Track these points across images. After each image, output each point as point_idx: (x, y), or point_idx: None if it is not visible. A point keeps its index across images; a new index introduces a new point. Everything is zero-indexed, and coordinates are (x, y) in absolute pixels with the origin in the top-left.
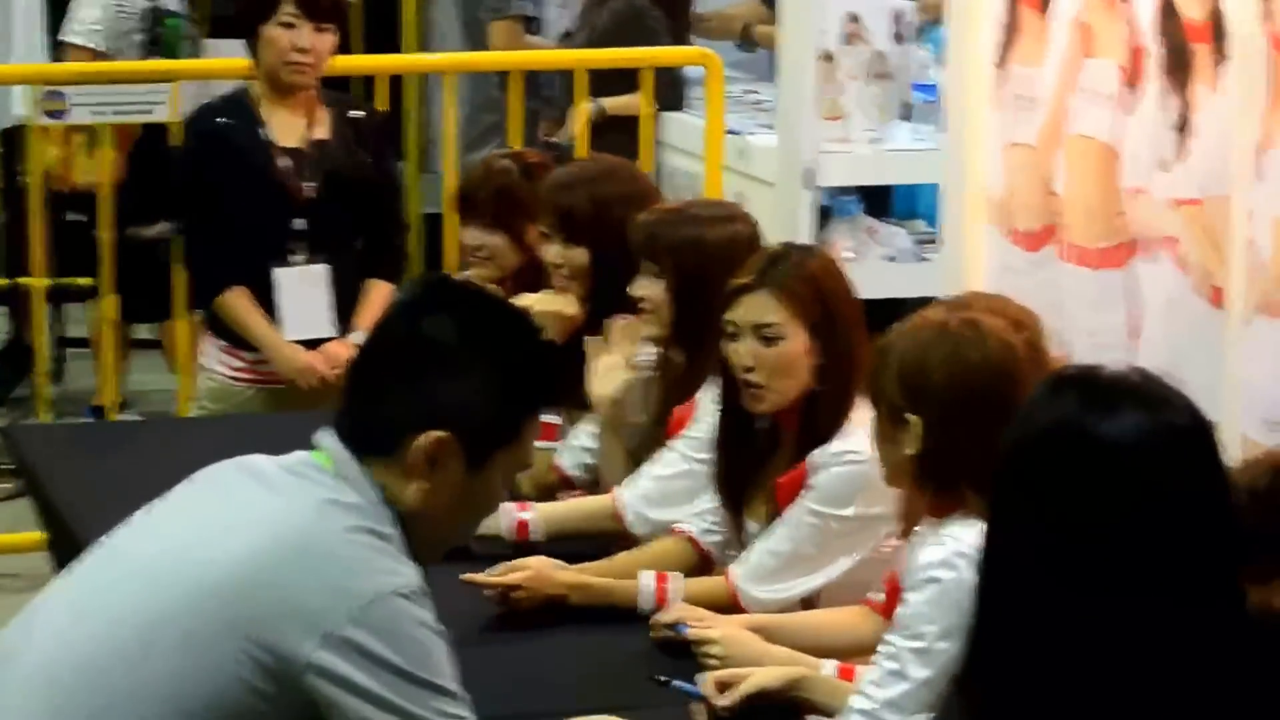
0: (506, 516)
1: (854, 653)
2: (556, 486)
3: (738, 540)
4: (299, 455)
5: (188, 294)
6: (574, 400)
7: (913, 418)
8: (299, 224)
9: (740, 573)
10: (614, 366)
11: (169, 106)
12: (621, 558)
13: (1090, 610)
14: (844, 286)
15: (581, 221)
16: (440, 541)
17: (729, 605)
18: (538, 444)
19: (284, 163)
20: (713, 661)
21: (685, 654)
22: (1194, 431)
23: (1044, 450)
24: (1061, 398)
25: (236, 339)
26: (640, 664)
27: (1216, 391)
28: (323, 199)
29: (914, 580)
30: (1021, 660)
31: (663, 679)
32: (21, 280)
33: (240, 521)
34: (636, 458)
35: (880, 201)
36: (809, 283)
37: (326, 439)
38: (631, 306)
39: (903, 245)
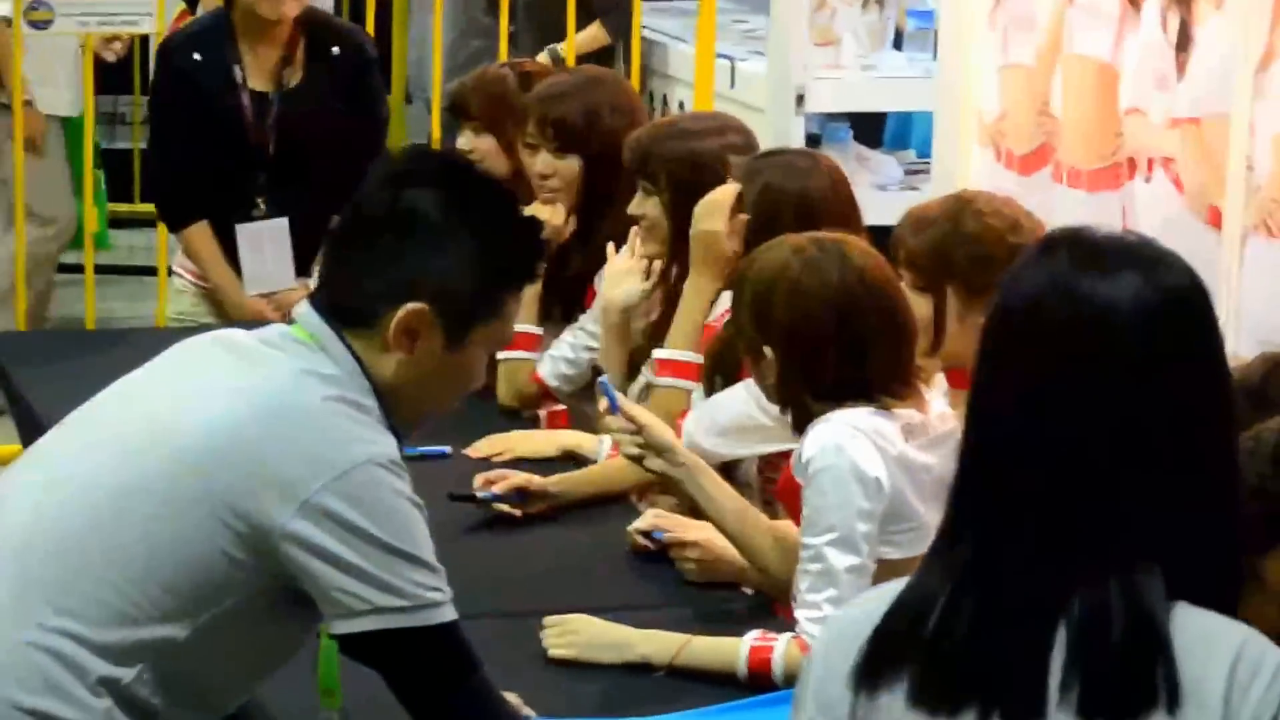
0: (603, 448)
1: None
2: (537, 397)
3: None
4: (277, 328)
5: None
6: (560, 311)
7: (767, 350)
8: (261, 177)
9: (692, 420)
10: (627, 271)
11: (156, 18)
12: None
13: (1081, 478)
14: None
15: (574, 131)
16: (418, 415)
17: None
18: (519, 355)
19: (251, 112)
20: (689, 566)
21: (664, 558)
22: (1190, 293)
23: (1033, 312)
24: (1052, 258)
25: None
26: (619, 563)
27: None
28: (284, 153)
29: (806, 476)
30: (1008, 525)
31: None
32: None
33: (216, 390)
34: (634, 364)
35: (872, 131)
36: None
37: (304, 312)
38: (618, 217)
39: (893, 174)
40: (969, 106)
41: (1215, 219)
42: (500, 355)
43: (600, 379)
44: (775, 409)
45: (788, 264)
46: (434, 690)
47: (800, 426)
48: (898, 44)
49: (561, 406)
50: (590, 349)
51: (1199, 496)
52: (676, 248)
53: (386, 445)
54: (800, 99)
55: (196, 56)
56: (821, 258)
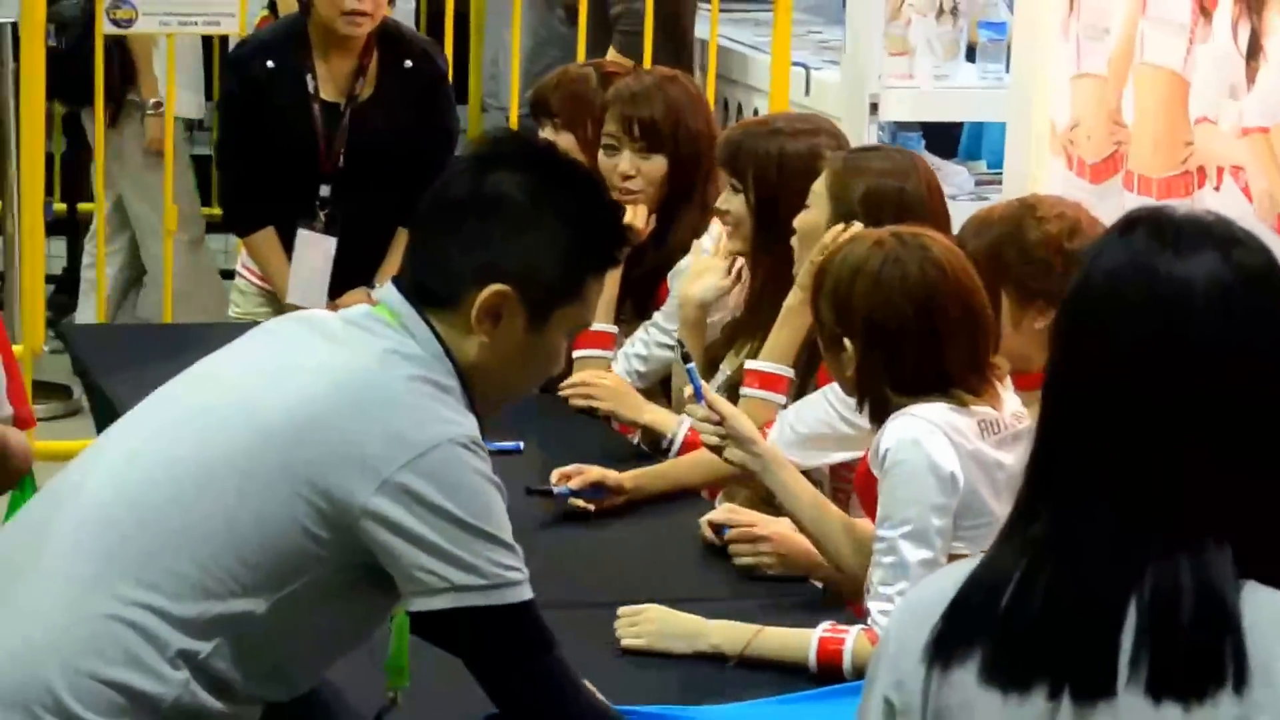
0: (681, 430)
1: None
2: None
3: None
4: (361, 308)
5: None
6: (634, 308)
7: (847, 341)
8: (324, 190)
9: (776, 430)
10: (709, 269)
11: (238, 19)
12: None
13: (1156, 455)
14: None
15: (660, 131)
16: (499, 397)
17: None
18: (594, 352)
19: (321, 123)
20: (765, 559)
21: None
22: (1267, 272)
23: (1111, 290)
24: (1131, 236)
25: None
26: (692, 556)
27: None
28: (349, 169)
29: (882, 469)
30: (1083, 502)
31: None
32: (82, 206)
33: (300, 369)
34: (710, 360)
35: (944, 142)
36: (868, 189)
37: (389, 293)
38: (693, 216)
39: (964, 184)
40: (1041, 115)
41: None
42: (576, 353)
43: (688, 365)
44: (854, 416)
45: (869, 256)
46: (509, 668)
47: (878, 419)
48: (970, 56)
49: None
50: (663, 345)
51: (1272, 475)
52: (759, 246)
53: (468, 425)
54: (874, 108)
55: (269, 64)
56: (903, 251)
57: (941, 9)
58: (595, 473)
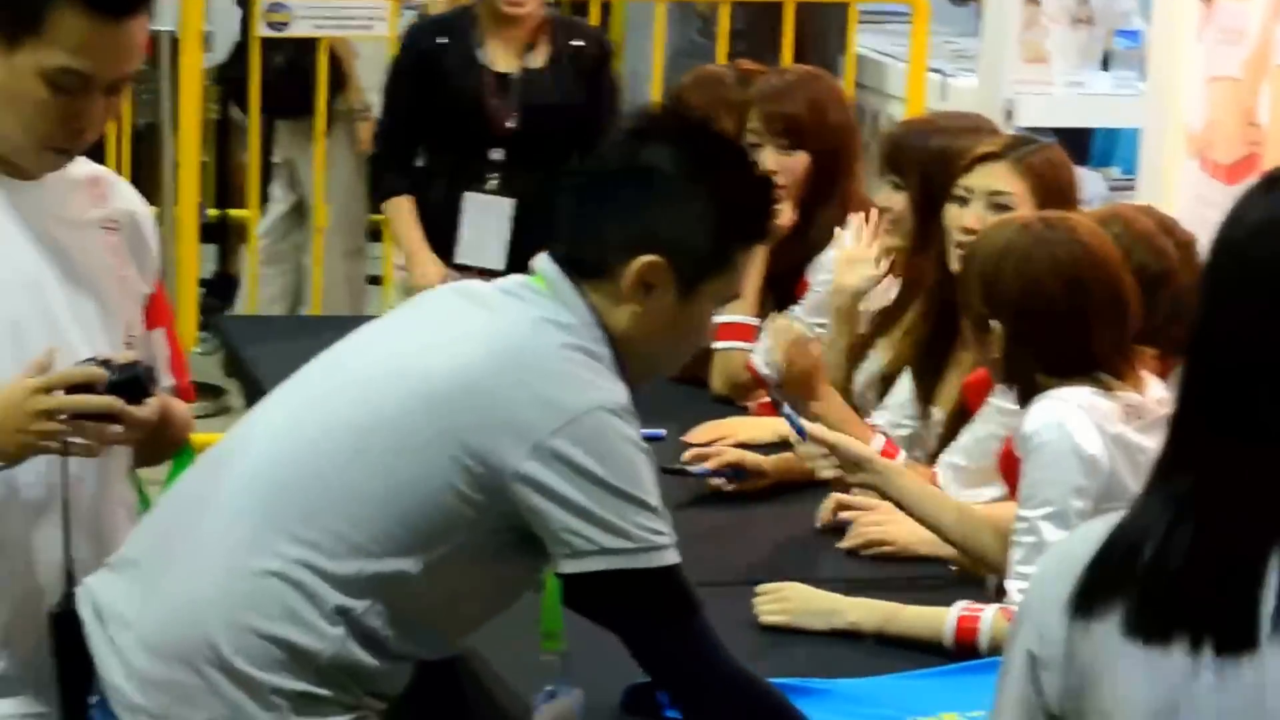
0: (876, 442)
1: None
2: (750, 386)
3: (925, 429)
4: (516, 278)
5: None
6: (774, 301)
7: (994, 324)
8: (496, 154)
9: (942, 474)
10: (861, 259)
11: (389, 22)
12: None
13: None
14: (1075, 185)
15: (803, 126)
16: (649, 367)
17: None
18: (734, 344)
19: (492, 89)
20: (875, 530)
21: None
22: None
23: (1252, 246)
24: (1273, 193)
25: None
26: (830, 536)
27: None
28: (524, 131)
29: (1026, 450)
30: (1226, 457)
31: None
32: (231, 212)
33: (456, 336)
34: (857, 353)
35: (1078, 148)
36: (1050, 166)
37: (543, 263)
38: (835, 210)
39: (1097, 189)
40: (1176, 118)
41: None
42: (716, 345)
43: (784, 410)
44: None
45: (1017, 238)
46: (657, 631)
47: (1024, 400)
48: (1104, 65)
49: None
50: None
51: None
52: (920, 242)
53: (618, 393)
54: (1009, 114)
55: (441, 40)
56: (1050, 233)
57: (1076, 18)
58: (733, 454)
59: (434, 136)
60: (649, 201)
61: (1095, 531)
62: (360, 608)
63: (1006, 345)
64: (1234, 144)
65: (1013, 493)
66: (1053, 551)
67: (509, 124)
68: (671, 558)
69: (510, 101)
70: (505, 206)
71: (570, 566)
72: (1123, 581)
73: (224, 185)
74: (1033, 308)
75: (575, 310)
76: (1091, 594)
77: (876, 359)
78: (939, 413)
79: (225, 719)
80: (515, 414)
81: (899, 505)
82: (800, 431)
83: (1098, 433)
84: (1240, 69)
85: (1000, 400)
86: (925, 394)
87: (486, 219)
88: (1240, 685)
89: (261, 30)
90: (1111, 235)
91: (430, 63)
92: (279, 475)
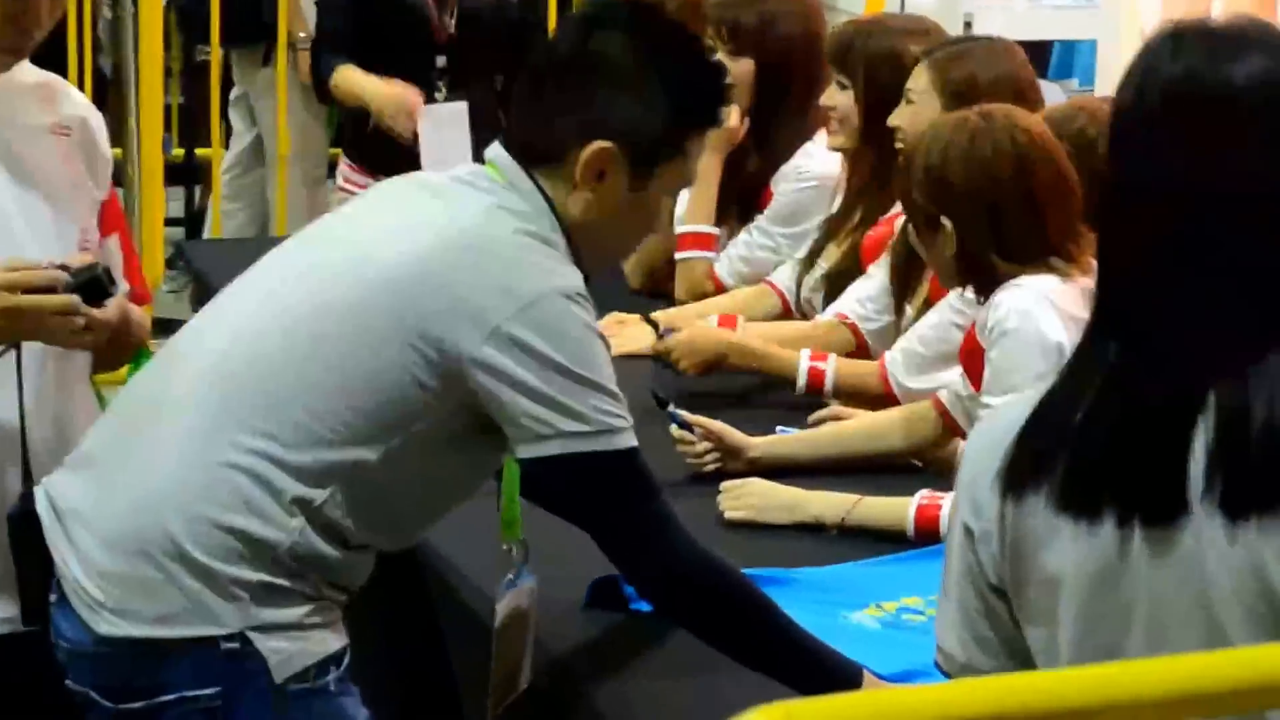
0: (803, 362)
1: (909, 452)
2: (713, 295)
3: (896, 326)
4: (470, 166)
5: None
6: (737, 211)
7: (944, 220)
8: (440, 61)
9: (892, 360)
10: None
11: None
12: (783, 336)
13: (1220, 265)
14: (1009, 80)
15: (747, 33)
16: (603, 255)
17: (880, 391)
18: (696, 254)
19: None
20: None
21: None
22: None
23: (1171, 102)
24: (1184, 48)
25: (365, 157)
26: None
27: None
28: (462, 37)
29: (991, 339)
30: (1148, 325)
31: (661, 397)
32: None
33: (410, 224)
34: (811, 256)
35: (1037, 61)
36: (959, 63)
37: (496, 151)
38: (792, 120)
39: (1056, 101)
40: (1133, 28)
41: None
42: (679, 255)
43: (669, 409)
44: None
45: (956, 132)
46: (617, 514)
47: (985, 292)
48: None
49: None
50: (765, 247)
51: None
52: (866, 142)
53: (573, 278)
54: (968, 27)
55: None
56: (989, 123)
57: None
58: (718, 427)
59: (376, 52)
60: (600, 88)
61: (1024, 404)
62: (319, 498)
63: (960, 240)
64: None
65: (975, 382)
66: (982, 426)
67: (448, 29)
68: (630, 440)
69: (447, 7)
70: (458, 110)
71: (529, 451)
72: (1050, 456)
73: (195, 126)
74: (982, 197)
75: (529, 198)
76: (1020, 469)
77: (823, 265)
78: (911, 311)
79: (185, 611)
80: (471, 300)
81: (795, 465)
82: (685, 426)
83: (1061, 320)
84: None
85: (961, 291)
86: (900, 291)
87: (443, 128)
88: (1174, 555)
89: None
90: (1078, 127)
91: None
92: (234, 368)
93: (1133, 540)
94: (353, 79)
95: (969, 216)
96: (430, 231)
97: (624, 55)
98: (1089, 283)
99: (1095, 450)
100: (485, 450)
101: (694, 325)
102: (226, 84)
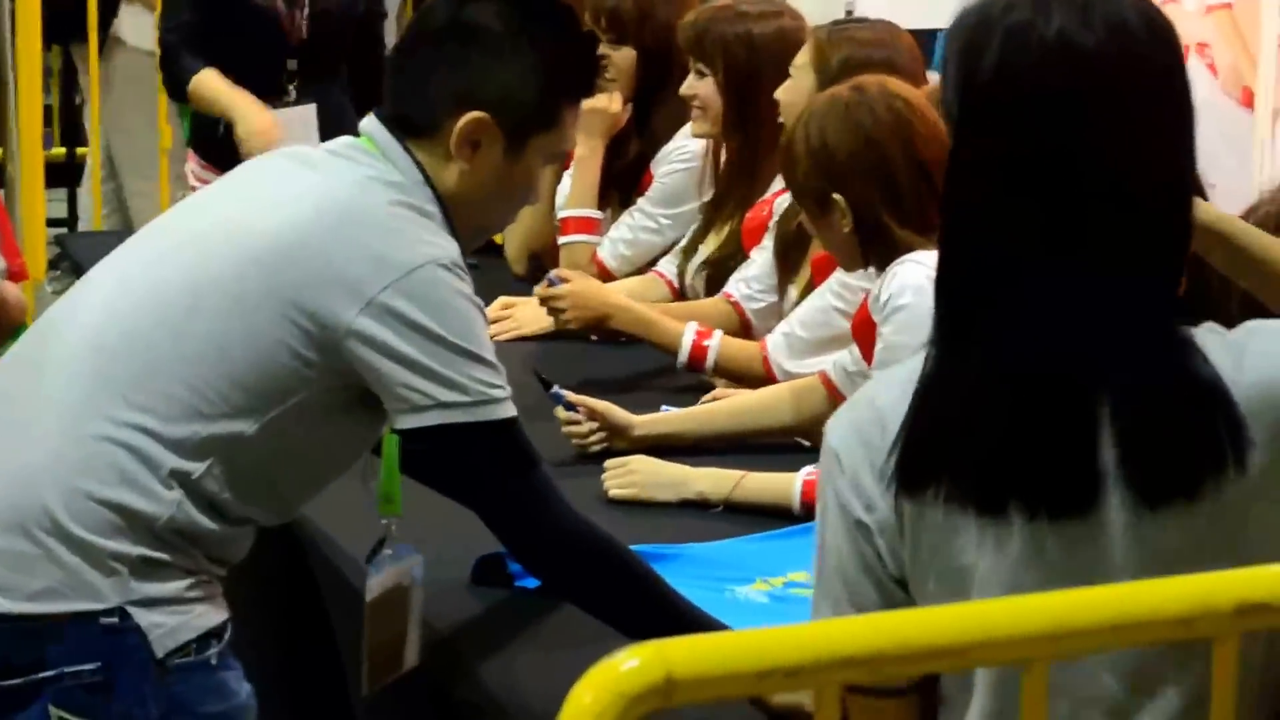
0: (688, 334)
1: (797, 429)
2: (596, 278)
3: (780, 304)
4: (344, 139)
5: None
6: (618, 196)
7: (837, 196)
8: (292, 64)
9: (774, 344)
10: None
11: None
12: (668, 310)
13: (1097, 240)
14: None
15: (627, 21)
16: (479, 226)
17: (760, 373)
18: (580, 238)
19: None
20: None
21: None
22: (1150, 33)
23: (1046, 65)
24: (1051, 7)
25: (211, 154)
26: None
27: (1246, 193)
28: (314, 38)
29: (883, 314)
30: (1013, 287)
31: (545, 379)
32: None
33: (286, 197)
34: (693, 242)
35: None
36: (846, 52)
37: (370, 123)
38: (672, 104)
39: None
40: None
41: (1248, 100)
42: (562, 239)
43: (551, 391)
44: (851, 308)
45: (832, 105)
46: (497, 484)
47: (884, 265)
48: None
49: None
50: (647, 229)
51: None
52: (730, 128)
53: (449, 248)
54: (849, 13)
55: None
56: (864, 95)
57: None
58: (603, 406)
59: (224, 54)
60: (474, 58)
61: (887, 388)
62: (197, 470)
63: (856, 212)
64: None
65: (866, 355)
66: (845, 415)
67: (301, 33)
68: (508, 411)
69: (299, 9)
70: (307, 113)
71: (407, 422)
72: (941, 451)
73: (75, 125)
74: (869, 164)
75: (404, 169)
76: (911, 466)
77: (703, 252)
78: (794, 292)
79: (64, 586)
80: (347, 271)
81: (681, 442)
82: (569, 407)
83: None
84: None
85: (843, 275)
86: (785, 272)
87: (294, 130)
88: (1084, 545)
89: None
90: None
91: None
92: (110, 340)
93: (1044, 532)
94: (216, 88)
95: (860, 187)
96: (305, 203)
97: (497, 25)
98: None
99: (991, 444)
100: (364, 423)
101: (584, 278)
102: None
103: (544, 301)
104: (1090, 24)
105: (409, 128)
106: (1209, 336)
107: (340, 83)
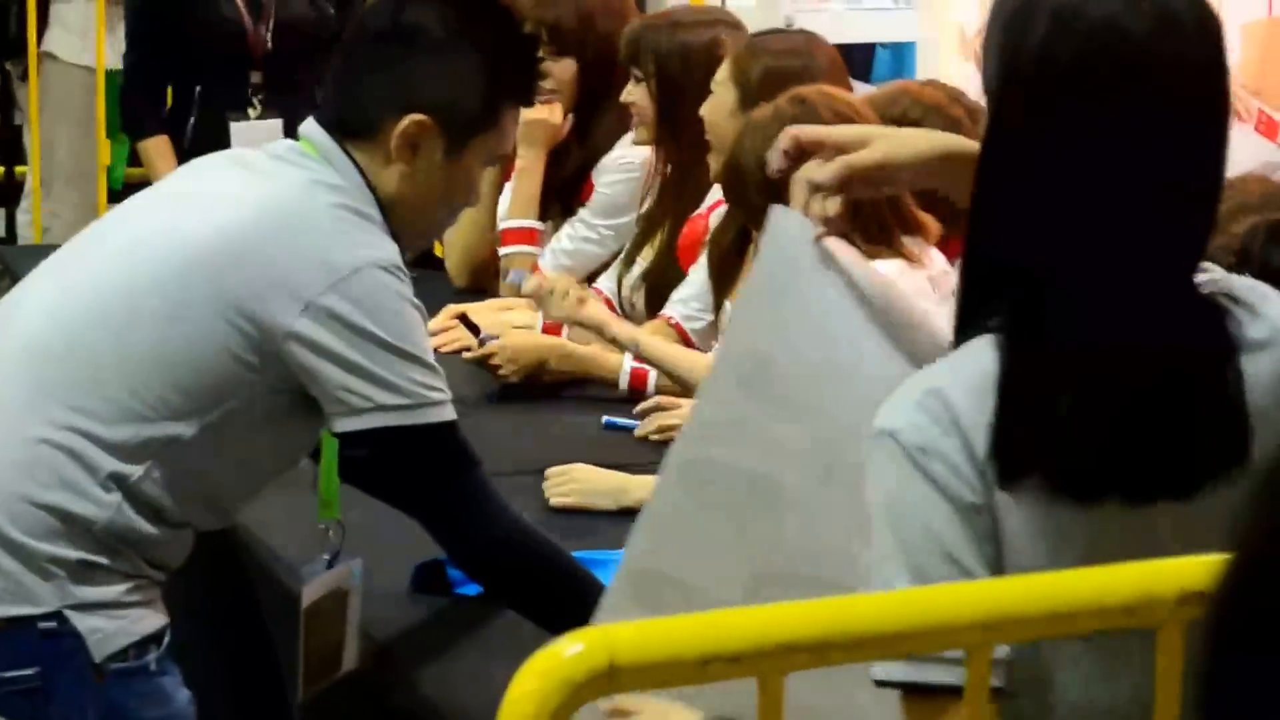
0: (626, 361)
1: None
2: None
3: (716, 323)
4: (285, 143)
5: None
6: (559, 207)
7: None
8: (255, 77)
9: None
10: (558, 291)
11: None
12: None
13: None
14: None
15: (567, 33)
16: (420, 228)
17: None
18: (521, 249)
19: (245, 14)
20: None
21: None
22: (1198, 26)
23: (1094, 52)
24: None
25: None
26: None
27: None
28: (278, 51)
29: None
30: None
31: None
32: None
33: (226, 199)
34: (630, 255)
35: (860, 65)
36: (766, 70)
37: (310, 127)
38: (613, 115)
39: None
40: (948, 22)
41: None
42: (503, 250)
43: (481, 336)
44: None
45: (777, 118)
46: (434, 486)
47: None
48: None
49: None
50: (589, 240)
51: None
52: (662, 134)
53: (389, 250)
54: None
55: None
56: (806, 107)
57: None
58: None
59: (186, 66)
60: (414, 61)
61: (959, 378)
62: (136, 474)
63: None
64: None
65: None
66: (919, 405)
67: (264, 45)
68: (448, 414)
69: (263, 21)
70: (274, 128)
71: (346, 425)
72: (1039, 442)
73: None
74: None
75: (344, 172)
76: (1007, 459)
77: (642, 262)
78: (730, 306)
79: (3, 590)
80: (286, 274)
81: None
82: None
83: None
84: None
85: None
86: (720, 288)
87: (257, 143)
88: (1187, 525)
89: None
90: (901, 110)
91: None
92: (50, 343)
93: (1142, 517)
94: (161, 163)
95: None
96: (245, 207)
97: (438, 27)
98: (935, 269)
99: (1087, 433)
100: (304, 425)
101: (513, 333)
102: None
103: (479, 362)
104: (1140, 10)
105: (349, 131)
106: (1235, 309)
107: (309, 101)
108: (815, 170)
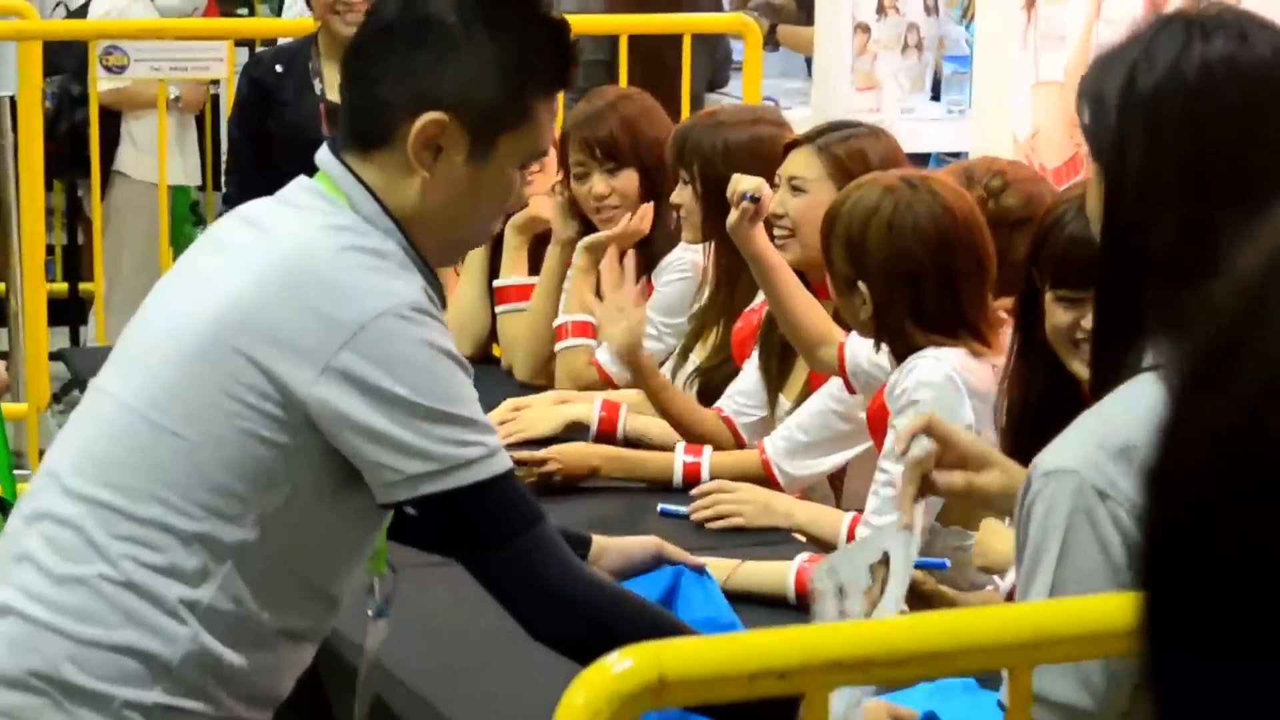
0: (678, 459)
1: None
2: (597, 384)
3: (770, 417)
4: (298, 181)
5: None
6: None
7: (861, 284)
8: None
9: (773, 448)
10: (621, 306)
11: (226, 64)
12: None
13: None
14: (895, 164)
15: (621, 145)
16: (451, 240)
17: (760, 478)
18: (578, 341)
19: (327, 125)
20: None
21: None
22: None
23: (1173, 75)
24: (1208, 31)
25: None
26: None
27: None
28: None
29: (898, 405)
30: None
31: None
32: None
33: (227, 273)
34: (683, 350)
35: None
36: (850, 149)
37: (323, 154)
38: (667, 214)
39: None
40: (1003, 128)
41: None
42: (559, 345)
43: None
44: (850, 411)
45: (881, 201)
46: (481, 550)
47: (899, 356)
48: (935, 92)
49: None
50: (649, 336)
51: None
52: (709, 232)
53: (407, 292)
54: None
55: (278, 69)
56: (913, 195)
57: (906, 44)
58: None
59: (274, 169)
60: (426, 54)
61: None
62: (207, 595)
63: (876, 306)
64: (1061, 147)
65: (878, 441)
66: (1110, 456)
67: None
68: (492, 468)
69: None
70: None
71: (382, 497)
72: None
73: (77, 261)
74: (900, 270)
75: (357, 202)
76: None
77: (695, 359)
78: (786, 402)
79: None
80: (297, 338)
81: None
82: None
83: (970, 399)
84: (1063, 73)
85: (839, 382)
86: (773, 384)
87: None
88: None
89: (100, 75)
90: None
91: (267, 94)
92: (87, 470)
93: None
94: None
95: (885, 286)
96: (246, 275)
97: (450, 15)
98: (1000, 360)
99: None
100: (360, 494)
101: (562, 450)
102: None
103: (534, 478)
104: (1252, 44)
105: (364, 141)
106: None
107: None
108: (938, 474)
